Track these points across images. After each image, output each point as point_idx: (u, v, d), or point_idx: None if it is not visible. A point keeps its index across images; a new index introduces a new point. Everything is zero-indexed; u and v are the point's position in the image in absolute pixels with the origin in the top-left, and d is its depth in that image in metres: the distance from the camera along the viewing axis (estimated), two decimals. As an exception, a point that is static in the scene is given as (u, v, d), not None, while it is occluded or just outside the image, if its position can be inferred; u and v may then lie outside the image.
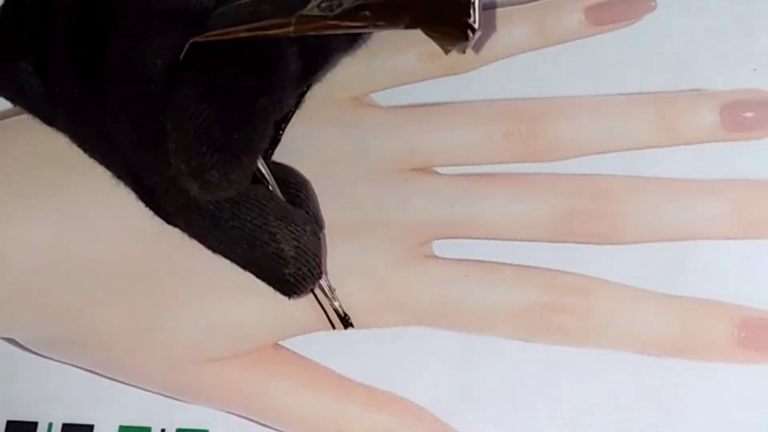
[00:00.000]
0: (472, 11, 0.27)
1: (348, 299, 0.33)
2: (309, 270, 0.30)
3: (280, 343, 0.34)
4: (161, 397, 0.34)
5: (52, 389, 0.34)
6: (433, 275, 0.34)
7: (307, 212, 0.32)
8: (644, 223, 0.33)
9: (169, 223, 0.31)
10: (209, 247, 0.31)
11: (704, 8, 0.36)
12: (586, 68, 0.36)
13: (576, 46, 0.36)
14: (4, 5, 0.32)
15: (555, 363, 0.33)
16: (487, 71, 0.36)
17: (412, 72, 0.36)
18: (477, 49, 0.36)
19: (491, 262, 0.34)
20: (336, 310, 0.33)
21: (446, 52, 0.29)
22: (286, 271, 0.30)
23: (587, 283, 0.33)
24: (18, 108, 0.36)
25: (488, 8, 0.36)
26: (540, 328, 0.33)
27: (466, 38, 0.28)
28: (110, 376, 0.34)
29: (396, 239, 0.34)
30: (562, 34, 0.36)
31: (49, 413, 0.34)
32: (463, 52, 0.29)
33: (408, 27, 0.28)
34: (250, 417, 0.34)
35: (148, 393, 0.34)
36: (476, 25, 0.27)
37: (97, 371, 0.34)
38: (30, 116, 0.35)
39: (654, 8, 0.35)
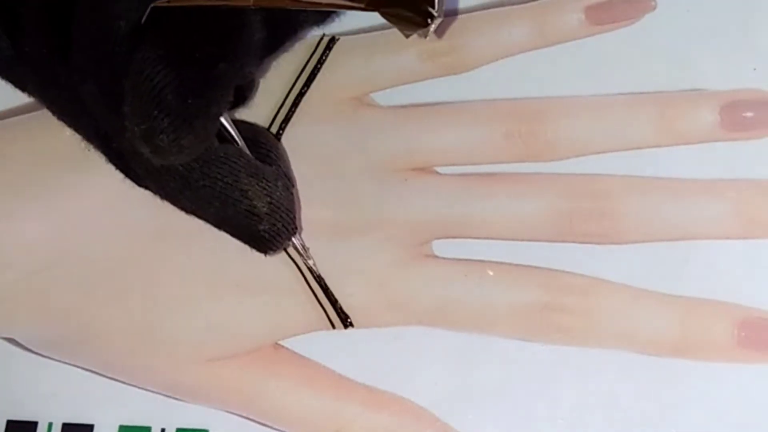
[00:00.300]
0: None
1: (348, 299, 0.33)
2: (283, 225, 0.30)
3: (280, 342, 0.34)
4: (161, 397, 0.34)
5: (52, 389, 0.34)
6: (433, 275, 0.34)
7: (278, 169, 0.31)
8: (644, 222, 0.33)
9: (140, 185, 0.31)
10: (182, 208, 0.31)
11: (704, 8, 0.36)
12: (586, 68, 0.36)
13: (576, 45, 0.36)
14: None
15: (555, 363, 0.33)
16: (487, 71, 0.36)
17: (412, 72, 0.36)
18: (476, 49, 0.36)
19: (491, 262, 0.34)
20: (311, 269, 0.33)
21: (406, 36, 0.29)
22: (261, 227, 0.30)
23: (587, 283, 0.33)
24: (18, 108, 0.36)
25: (489, 7, 0.36)
26: (540, 328, 0.33)
27: (425, 25, 0.28)
28: (110, 375, 0.34)
29: (396, 239, 0.34)
30: (562, 33, 0.36)
31: (49, 413, 0.34)
32: (425, 37, 0.29)
33: (367, 8, 0.28)
34: (250, 417, 0.34)
35: (148, 393, 0.34)
36: (436, 12, 0.27)
37: (97, 371, 0.34)
38: (30, 116, 0.35)
39: (654, 8, 0.35)
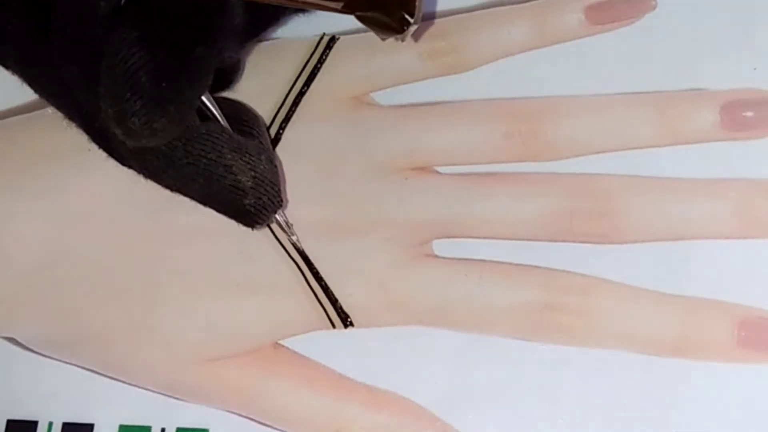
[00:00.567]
0: (410, 3, 0.27)
1: (348, 299, 0.33)
2: (269, 199, 0.30)
3: (280, 342, 0.34)
4: (161, 397, 0.34)
5: (52, 388, 0.34)
6: (433, 275, 0.34)
7: (261, 143, 0.31)
8: (644, 222, 0.33)
9: (123, 164, 0.31)
10: (166, 186, 0.31)
11: (704, 8, 0.36)
12: (586, 68, 0.36)
13: (576, 45, 0.36)
14: None
15: (555, 362, 0.33)
16: (487, 70, 0.36)
17: (412, 71, 0.36)
18: (478, 50, 0.35)
19: (491, 262, 0.34)
20: (295, 246, 0.33)
21: (382, 39, 0.29)
22: (246, 201, 0.30)
23: (587, 283, 0.33)
24: (18, 107, 0.36)
25: (489, 7, 0.36)
26: (540, 328, 0.33)
27: (401, 31, 0.28)
28: (110, 375, 0.34)
29: (396, 238, 0.34)
30: (562, 33, 0.35)
31: (49, 412, 0.34)
32: (402, 41, 0.29)
33: (342, 11, 0.28)
34: (250, 416, 0.34)
35: (149, 392, 0.34)
36: (413, 20, 0.27)
37: (97, 370, 0.34)
38: (30, 116, 0.35)
39: (654, 7, 0.35)
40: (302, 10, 0.34)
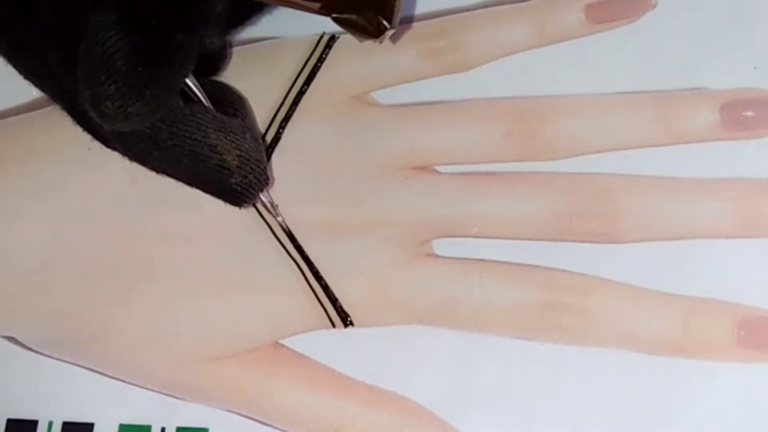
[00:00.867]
0: (387, 8, 0.27)
1: (348, 298, 0.33)
2: (255, 177, 0.31)
3: (280, 341, 0.34)
4: (161, 396, 0.34)
5: (52, 388, 0.34)
6: (433, 274, 0.34)
7: (245, 123, 0.31)
8: (644, 222, 0.33)
9: (108, 147, 0.31)
10: (152, 168, 0.31)
11: (704, 7, 0.36)
12: (586, 67, 0.36)
13: (576, 44, 0.36)
14: None
15: (555, 362, 0.33)
16: (487, 70, 0.36)
17: (412, 71, 0.36)
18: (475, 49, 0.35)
19: (491, 261, 0.34)
20: (281, 225, 0.33)
21: (360, 41, 0.29)
22: (232, 180, 0.30)
23: (587, 282, 0.33)
24: (18, 107, 0.36)
25: (489, 6, 0.36)
26: (540, 327, 0.33)
27: (378, 35, 0.28)
28: (110, 374, 0.34)
29: (396, 238, 0.34)
30: (562, 32, 0.35)
31: (49, 412, 0.34)
32: (380, 43, 0.29)
33: (320, 12, 0.28)
34: (250, 416, 0.34)
35: (149, 392, 0.34)
36: (390, 25, 0.27)
37: (97, 370, 0.34)
38: (30, 115, 0.35)
39: (654, 6, 0.35)
40: (277, 7, 0.33)
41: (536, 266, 0.34)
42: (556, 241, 0.34)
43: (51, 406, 0.34)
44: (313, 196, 0.34)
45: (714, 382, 0.33)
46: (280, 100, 0.35)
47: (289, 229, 0.33)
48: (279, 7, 0.33)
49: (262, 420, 0.34)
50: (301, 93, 0.35)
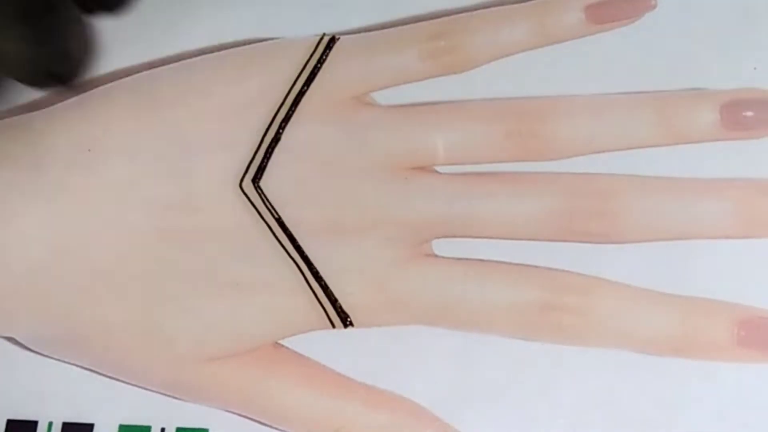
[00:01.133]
0: None
1: (347, 298, 0.33)
2: None
3: (280, 342, 0.34)
4: (161, 396, 0.34)
5: (52, 388, 0.34)
6: (433, 274, 0.34)
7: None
8: (644, 222, 0.33)
9: None
10: None
11: (704, 7, 0.36)
12: (586, 67, 0.36)
13: (576, 44, 0.36)
14: None
15: (555, 362, 0.33)
16: (487, 70, 0.36)
17: (412, 71, 0.35)
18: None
19: (491, 261, 0.34)
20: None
21: None
22: None
23: (587, 282, 0.33)
24: (18, 107, 0.36)
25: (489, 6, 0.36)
26: (540, 327, 0.33)
27: None
28: (110, 375, 0.34)
29: (395, 238, 0.34)
30: (562, 32, 0.35)
31: (49, 412, 0.34)
32: None
33: None
34: (250, 416, 0.34)
35: (148, 392, 0.34)
36: None
37: (97, 370, 0.34)
38: (30, 116, 0.35)
39: (654, 7, 0.35)
40: None
41: (536, 266, 0.34)
42: (556, 241, 0.34)
43: (51, 407, 0.34)
44: (312, 196, 0.34)
45: (714, 383, 0.33)
46: (280, 101, 0.35)
47: (288, 229, 0.33)
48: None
49: (262, 420, 0.34)
50: (301, 93, 0.35)
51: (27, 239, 0.33)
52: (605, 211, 0.33)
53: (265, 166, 0.34)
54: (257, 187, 0.34)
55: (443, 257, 0.34)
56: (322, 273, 0.33)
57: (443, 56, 0.35)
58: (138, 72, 0.36)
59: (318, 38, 0.36)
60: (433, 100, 0.36)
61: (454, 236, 0.34)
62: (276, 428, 0.34)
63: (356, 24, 0.37)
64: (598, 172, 0.34)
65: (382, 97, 0.36)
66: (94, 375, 0.34)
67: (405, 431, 0.33)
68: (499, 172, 0.35)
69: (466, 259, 0.34)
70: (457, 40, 0.35)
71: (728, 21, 0.36)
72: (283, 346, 0.34)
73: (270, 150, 0.34)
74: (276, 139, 0.34)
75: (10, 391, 0.34)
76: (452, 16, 0.36)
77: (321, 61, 0.35)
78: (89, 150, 0.34)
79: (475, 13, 0.36)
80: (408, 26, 0.36)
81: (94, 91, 0.35)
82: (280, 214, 0.33)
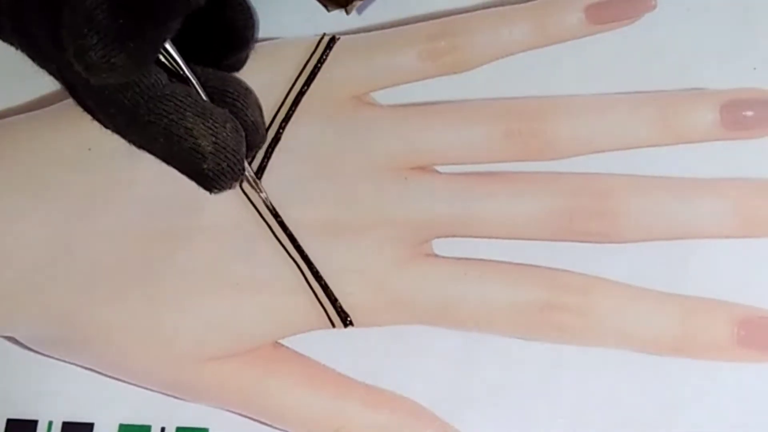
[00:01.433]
0: None
1: (348, 298, 0.33)
2: (228, 165, 0.31)
3: (280, 341, 0.34)
4: (161, 396, 0.34)
5: (52, 387, 0.34)
6: (433, 274, 0.34)
7: (245, 120, 0.32)
8: (644, 221, 0.33)
9: (95, 118, 0.32)
10: (131, 142, 0.31)
11: (704, 7, 0.36)
12: (586, 67, 0.36)
13: (576, 45, 0.36)
14: None
15: (555, 362, 0.33)
16: (487, 70, 0.36)
17: (412, 71, 0.36)
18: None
19: (491, 261, 0.34)
20: (264, 202, 0.33)
21: (328, 10, 0.28)
22: (204, 166, 0.30)
23: (587, 282, 0.33)
24: (18, 107, 0.36)
25: (489, 6, 0.36)
26: (540, 327, 0.33)
27: (346, 4, 0.30)
28: (110, 374, 0.34)
29: (396, 238, 0.34)
30: (562, 32, 0.36)
31: (49, 411, 0.34)
32: (347, 13, 0.30)
33: None
34: (250, 415, 0.34)
35: (148, 391, 0.34)
36: None
37: (97, 370, 0.34)
38: (30, 115, 0.35)
39: (654, 7, 0.35)
40: None
41: (536, 266, 0.34)
42: (555, 240, 0.34)
43: (51, 406, 0.34)
44: (313, 196, 0.34)
45: (714, 382, 0.33)
46: (281, 101, 0.35)
47: (289, 229, 0.33)
48: None
49: (262, 420, 0.34)
50: (301, 93, 0.35)
51: (27, 239, 0.33)
52: (605, 210, 0.33)
53: (265, 166, 0.34)
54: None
55: (443, 257, 0.34)
56: (322, 273, 0.33)
57: (443, 56, 0.35)
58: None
59: (318, 38, 0.36)
60: (433, 100, 0.36)
61: (454, 236, 0.34)
62: (276, 428, 0.34)
63: (357, 24, 0.37)
64: (598, 171, 0.34)
65: (383, 96, 0.36)
66: (94, 374, 0.34)
67: (405, 431, 0.33)
68: (499, 171, 0.35)
69: (466, 258, 0.34)
70: (457, 41, 0.35)
71: (728, 21, 0.36)
72: (283, 345, 0.34)
73: (270, 150, 0.34)
74: (276, 139, 0.34)
75: (10, 390, 0.34)
76: (452, 17, 0.36)
77: (321, 61, 0.35)
78: (89, 150, 0.34)
79: (474, 13, 0.36)
80: (408, 26, 0.36)
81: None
82: (280, 213, 0.33)
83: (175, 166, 0.31)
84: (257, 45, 0.36)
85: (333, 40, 0.36)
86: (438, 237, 0.34)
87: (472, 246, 0.34)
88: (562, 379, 0.33)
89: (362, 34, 0.36)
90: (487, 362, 0.34)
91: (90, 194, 0.34)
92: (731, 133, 0.34)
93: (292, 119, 0.35)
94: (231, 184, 0.31)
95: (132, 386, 0.34)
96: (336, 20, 0.37)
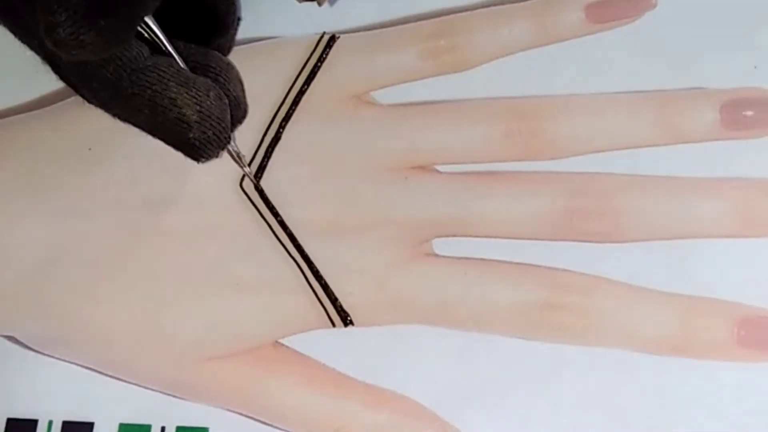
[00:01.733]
0: None
1: (348, 297, 0.33)
2: (214, 133, 0.30)
3: (280, 341, 0.34)
4: (161, 395, 0.34)
5: (52, 387, 0.34)
6: (433, 274, 0.34)
7: (227, 95, 0.31)
8: (644, 221, 0.33)
9: (78, 93, 0.31)
10: (116, 116, 0.31)
11: (704, 6, 0.36)
12: (586, 66, 0.36)
13: (576, 44, 0.36)
14: None
15: (555, 361, 0.33)
16: (487, 69, 0.36)
17: (412, 70, 0.36)
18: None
19: (491, 260, 0.34)
20: (249, 177, 0.33)
21: (299, 1, 0.28)
22: (190, 135, 0.30)
23: (587, 282, 0.33)
24: (18, 107, 0.36)
25: (489, 5, 0.36)
26: (540, 327, 0.33)
27: None
28: (110, 374, 0.34)
29: (396, 238, 0.34)
30: (562, 32, 0.36)
31: (49, 411, 0.34)
32: (319, 5, 0.30)
33: None
34: (250, 415, 0.34)
35: (148, 391, 0.34)
36: None
37: (97, 369, 0.34)
38: (30, 115, 0.35)
39: (654, 6, 0.35)
40: None
41: (536, 265, 0.34)
42: (556, 240, 0.34)
43: (51, 406, 0.34)
44: (313, 196, 0.34)
45: (714, 382, 0.33)
46: (281, 100, 0.35)
47: (289, 228, 0.33)
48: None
49: (262, 419, 0.34)
50: (301, 92, 0.35)
51: (27, 239, 0.33)
52: (605, 210, 0.33)
53: (265, 166, 0.34)
54: (258, 187, 0.34)
55: (443, 257, 0.34)
56: (323, 272, 0.33)
57: (443, 55, 0.35)
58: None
59: (318, 37, 0.36)
60: (433, 99, 0.36)
61: (455, 235, 0.34)
62: (276, 427, 0.34)
63: (357, 23, 0.37)
64: (598, 171, 0.34)
65: (383, 96, 0.36)
66: (95, 374, 0.34)
67: (405, 430, 0.33)
68: (499, 171, 0.35)
69: (467, 258, 0.34)
70: (457, 40, 0.35)
71: (728, 20, 0.36)
72: (283, 345, 0.34)
73: (270, 149, 0.34)
74: (276, 139, 0.34)
75: (10, 389, 0.34)
76: (452, 16, 0.36)
77: (321, 60, 0.35)
78: (89, 149, 0.34)
79: (474, 12, 0.36)
80: (408, 25, 0.36)
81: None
82: (280, 213, 0.33)
83: (161, 138, 0.31)
84: (257, 44, 0.36)
85: (333, 39, 0.36)
86: (438, 236, 0.34)
87: (473, 246, 0.34)
88: (563, 379, 0.33)
89: (362, 33, 0.36)
90: (487, 362, 0.34)
91: (90, 194, 0.34)
92: (731, 132, 0.34)
93: (293, 118, 0.35)
94: (218, 153, 0.31)
95: (132, 386, 0.34)
96: (336, 19, 0.37)
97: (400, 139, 0.35)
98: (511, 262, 0.34)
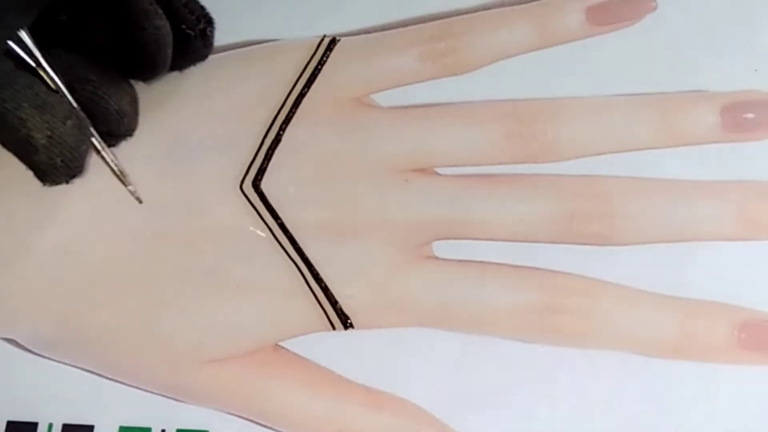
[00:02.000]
0: None
1: (348, 300, 0.33)
2: (63, 161, 0.31)
3: (280, 343, 0.34)
4: (161, 398, 0.34)
5: (52, 390, 0.34)
6: (434, 276, 0.34)
7: (106, 109, 0.31)
8: (645, 224, 0.33)
9: None
10: None
11: (705, 9, 0.36)
12: (586, 69, 0.36)
13: (577, 46, 0.36)
14: None
15: (555, 364, 0.33)
16: (487, 72, 0.36)
17: (412, 73, 0.35)
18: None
19: (492, 263, 0.34)
20: (133, 195, 0.33)
21: None
22: (36, 158, 0.30)
23: (587, 284, 0.33)
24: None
25: (489, 8, 0.36)
26: (540, 329, 0.33)
27: None
28: (110, 376, 0.34)
29: (396, 240, 0.34)
30: (562, 34, 0.35)
31: (49, 414, 0.34)
32: None
33: None
34: (250, 418, 0.34)
35: (149, 393, 0.34)
36: None
37: (97, 372, 0.34)
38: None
39: (655, 8, 0.35)
40: None
41: (537, 268, 0.34)
42: (556, 243, 0.34)
43: (51, 408, 0.34)
44: (313, 198, 0.34)
45: (714, 385, 0.33)
46: (281, 102, 0.35)
47: (289, 231, 0.33)
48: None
49: (262, 422, 0.34)
50: (301, 95, 0.35)
51: (27, 240, 0.33)
52: (606, 213, 0.33)
53: (265, 168, 0.34)
54: (258, 189, 0.34)
55: (444, 259, 0.34)
56: (323, 275, 0.33)
57: (443, 58, 0.35)
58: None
59: (318, 40, 0.36)
60: (434, 101, 0.36)
61: (455, 238, 0.34)
62: (276, 430, 0.34)
63: (357, 25, 0.37)
64: (599, 173, 0.34)
65: (383, 98, 0.36)
66: (95, 376, 0.34)
67: (405, 433, 0.33)
68: (500, 174, 0.35)
69: (467, 260, 0.34)
70: (457, 42, 0.35)
71: (729, 23, 0.36)
72: (283, 348, 0.34)
73: (270, 151, 0.34)
74: (276, 141, 0.34)
75: (10, 392, 0.34)
76: (452, 18, 0.36)
77: (321, 63, 0.35)
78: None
79: (475, 14, 0.36)
80: (408, 28, 0.36)
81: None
82: (280, 215, 0.33)
83: (11, 151, 0.31)
84: (257, 47, 0.36)
85: (333, 41, 0.36)
86: (438, 239, 0.34)
87: (473, 248, 0.34)
88: (563, 382, 0.33)
89: (362, 36, 0.36)
90: (487, 364, 0.34)
91: (90, 195, 0.34)
92: (732, 135, 0.34)
93: (293, 121, 0.35)
94: (65, 179, 0.31)
95: (132, 388, 0.34)
96: (336, 22, 0.37)
97: (400, 141, 0.34)
98: (511, 265, 0.34)
